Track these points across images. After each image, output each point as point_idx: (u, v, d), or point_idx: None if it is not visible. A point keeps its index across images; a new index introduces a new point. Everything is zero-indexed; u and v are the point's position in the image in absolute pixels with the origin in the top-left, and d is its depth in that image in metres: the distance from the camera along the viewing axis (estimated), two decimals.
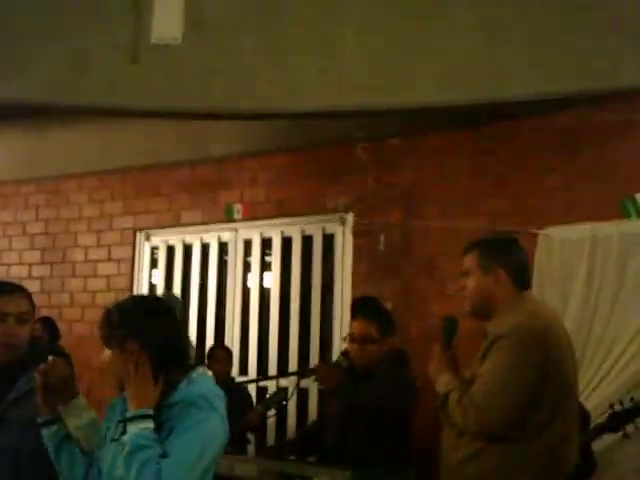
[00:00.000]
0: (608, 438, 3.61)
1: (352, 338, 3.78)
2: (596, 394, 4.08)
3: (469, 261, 2.93)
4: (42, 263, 6.70)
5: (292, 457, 3.83)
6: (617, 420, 3.48)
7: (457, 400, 2.70)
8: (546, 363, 2.67)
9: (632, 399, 3.60)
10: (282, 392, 4.56)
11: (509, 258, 2.93)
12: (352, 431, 3.59)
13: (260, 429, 4.92)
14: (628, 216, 4.30)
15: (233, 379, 5.25)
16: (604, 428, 3.46)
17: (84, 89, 4.09)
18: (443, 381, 2.81)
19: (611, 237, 4.23)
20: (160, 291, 6.10)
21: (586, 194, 4.45)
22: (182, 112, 4.62)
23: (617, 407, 3.53)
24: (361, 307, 3.92)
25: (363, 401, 3.54)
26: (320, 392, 5.22)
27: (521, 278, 2.92)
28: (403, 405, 3.60)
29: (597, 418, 3.66)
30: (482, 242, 3.01)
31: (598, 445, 3.56)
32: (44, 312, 6.13)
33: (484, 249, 2.95)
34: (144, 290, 6.17)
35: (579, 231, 4.35)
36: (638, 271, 4.14)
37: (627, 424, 3.49)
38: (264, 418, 4.78)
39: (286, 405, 5.03)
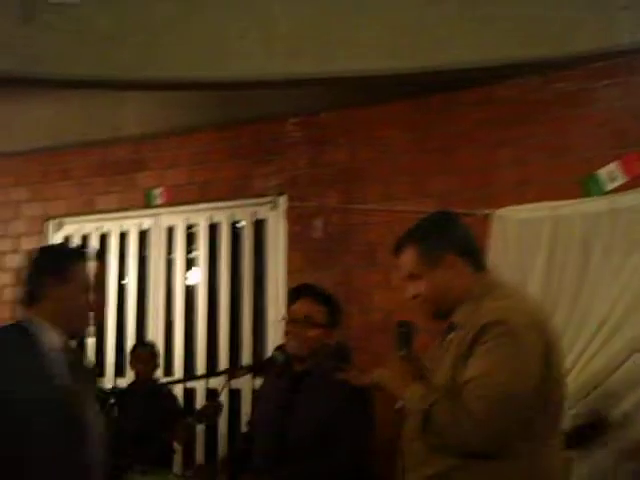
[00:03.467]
0: None
1: (292, 318, 3.21)
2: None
3: (409, 262, 2.44)
4: None
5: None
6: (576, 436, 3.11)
7: (448, 412, 2.19)
8: (548, 351, 2.24)
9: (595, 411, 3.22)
10: (216, 403, 4.06)
11: (452, 237, 2.44)
12: (284, 453, 3.01)
13: (188, 442, 4.42)
14: (589, 194, 3.89)
15: (156, 381, 4.71)
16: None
17: None
18: (415, 395, 2.29)
19: (573, 217, 3.81)
20: None
21: (542, 171, 4.03)
22: (79, 80, 4.07)
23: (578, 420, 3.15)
24: (305, 289, 3.38)
25: (305, 408, 3.03)
26: (253, 393, 4.74)
27: (475, 257, 2.45)
28: (359, 425, 3.05)
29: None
30: (413, 233, 2.49)
31: None
32: None
33: (420, 239, 2.45)
34: None
35: (537, 211, 3.93)
36: (603, 255, 3.73)
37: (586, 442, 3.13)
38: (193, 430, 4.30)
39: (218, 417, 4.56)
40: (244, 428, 4.57)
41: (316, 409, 3.03)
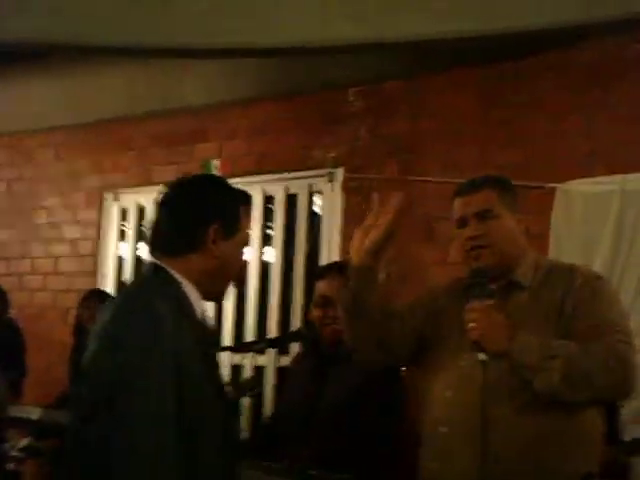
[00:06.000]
0: None
1: (321, 301, 2.97)
2: None
3: (488, 198, 2.29)
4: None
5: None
6: None
7: (590, 357, 2.06)
8: None
9: None
10: (255, 378, 3.94)
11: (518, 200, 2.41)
12: (316, 429, 2.81)
13: None
14: None
15: None
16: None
17: None
18: (532, 345, 2.11)
19: None
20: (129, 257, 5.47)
21: (614, 141, 3.77)
22: (140, 49, 4.01)
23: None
24: (334, 266, 3.18)
25: (333, 391, 2.83)
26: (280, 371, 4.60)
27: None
28: (389, 398, 2.86)
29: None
30: (494, 178, 2.39)
31: None
32: (2, 281, 5.51)
33: (502, 185, 2.35)
34: (111, 256, 5.54)
35: (605, 184, 3.66)
36: None
37: None
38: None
39: (261, 392, 4.42)
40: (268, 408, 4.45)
41: (345, 385, 2.84)
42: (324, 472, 2.40)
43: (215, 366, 1.91)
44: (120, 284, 5.46)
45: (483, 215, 2.27)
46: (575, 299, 2.16)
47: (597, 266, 3.54)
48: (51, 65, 5.42)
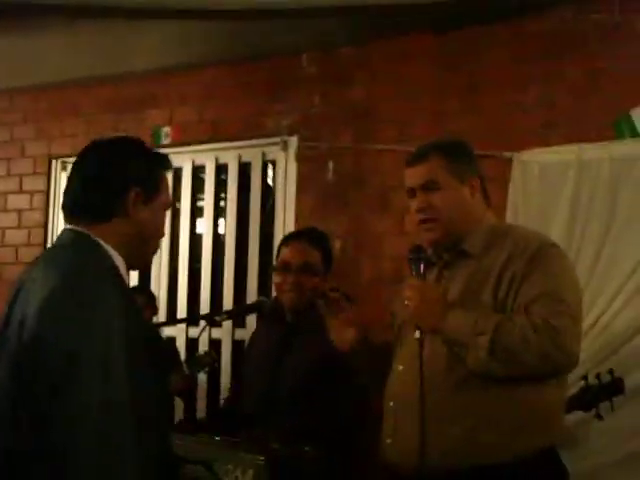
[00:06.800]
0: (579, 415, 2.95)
1: (283, 266, 2.86)
2: None
3: (433, 168, 2.22)
4: None
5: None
6: (589, 396, 2.86)
7: (519, 332, 1.99)
8: None
9: (611, 371, 2.93)
10: (212, 352, 3.87)
11: (477, 163, 2.33)
12: (277, 406, 2.73)
13: (189, 395, 4.21)
14: (621, 136, 3.58)
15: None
16: (573, 404, 2.80)
17: None
18: (462, 321, 2.08)
19: (601, 161, 3.50)
20: None
21: (570, 111, 3.73)
22: (86, 7, 3.87)
23: (591, 380, 2.88)
24: (299, 233, 3.10)
25: (294, 361, 2.75)
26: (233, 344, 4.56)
27: (487, 193, 2.33)
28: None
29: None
30: (440, 144, 2.30)
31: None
32: None
33: (451, 152, 2.25)
34: (59, 226, 5.38)
35: (562, 154, 3.62)
36: (632, 201, 3.44)
37: (600, 402, 2.87)
38: (194, 382, 4.10)
39: (219, 367, 4.36)
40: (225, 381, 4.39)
41: (308, 357, 2.76)
42: (286, 446, 2.35)
43: (150, 339, 1.88)
44: None
45: (428, 187, 2.22)
46: (521, 264, 2.10)
47: (554, 236, 3.48)
48: None
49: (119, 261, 1.81)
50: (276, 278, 2.92)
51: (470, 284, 2.16)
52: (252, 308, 3.31)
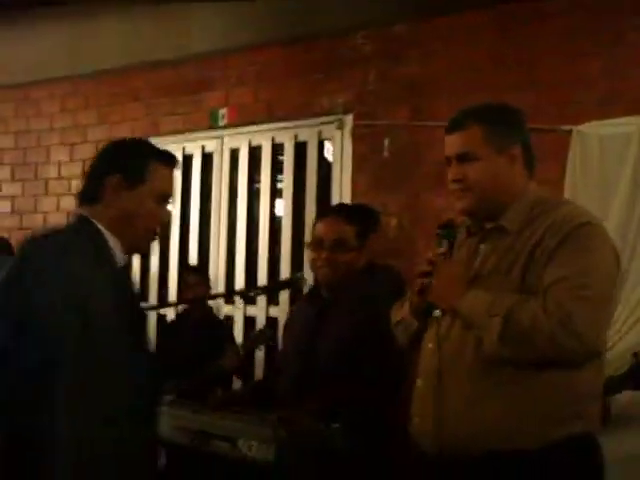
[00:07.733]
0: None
1: (316, 242, 2.83)
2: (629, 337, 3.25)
3: (470, 138, 2.10)
4: (13, 180, 6.02)
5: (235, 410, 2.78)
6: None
7: (534, 316, 1.88)
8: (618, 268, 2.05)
9: None
10: (267, 330, 3.89)
11: (521, 131, 2.16)
12: (311, 378, 2.70)
13: (242, 373, 4.23)
14: None
15: (208, 307, 4.50)
16: (623, 383, 2.71)
17: None
18: (479, 301, 1.98)
19: None
20: None
21: (633, 82, 3.63)
22: None
23: None
24: (333, 209, 3.08)
25: (327, 342, 2.72)
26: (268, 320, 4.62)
27: (533, 163, 2.17)
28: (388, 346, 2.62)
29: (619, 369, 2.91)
30: (480, 112, 2.18)
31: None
32: (16, 235, 5.49)
33: (488, 120, 2.12)
34: None
35: (624, 126, 3.53)
36: None
37: None
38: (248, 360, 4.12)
39: (275, 344, 4.36)
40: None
41: (342, 333, 2.74)
42: (314, 422, 2.33)
43: (135, 314, 2.06)
44: None
45: (462, 158, 2.10)
46: (553, 243, 1.96)
47: (614, 211, 3.44)
48: (54, 14, 5.32)
49: (112, 241, 2.01)
50: (310, 254, 2.91)
51: (502, 262, 2.04)
52: (285, 284, 3.30)
